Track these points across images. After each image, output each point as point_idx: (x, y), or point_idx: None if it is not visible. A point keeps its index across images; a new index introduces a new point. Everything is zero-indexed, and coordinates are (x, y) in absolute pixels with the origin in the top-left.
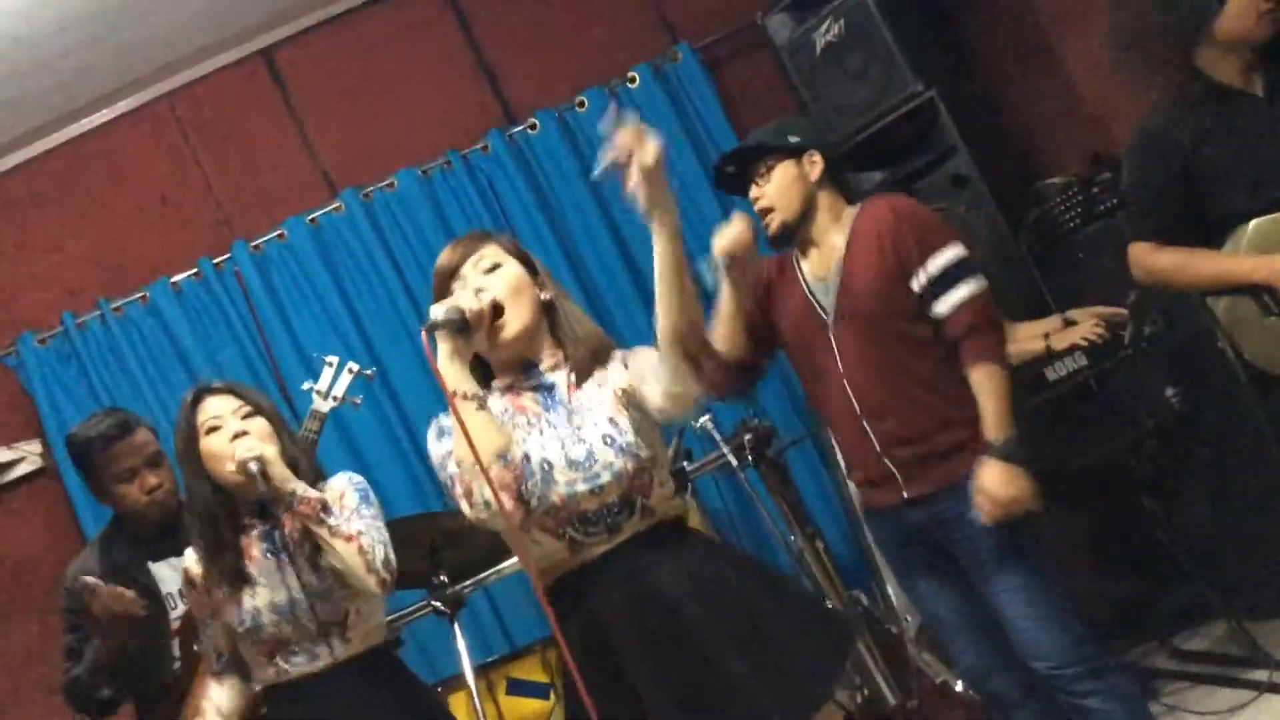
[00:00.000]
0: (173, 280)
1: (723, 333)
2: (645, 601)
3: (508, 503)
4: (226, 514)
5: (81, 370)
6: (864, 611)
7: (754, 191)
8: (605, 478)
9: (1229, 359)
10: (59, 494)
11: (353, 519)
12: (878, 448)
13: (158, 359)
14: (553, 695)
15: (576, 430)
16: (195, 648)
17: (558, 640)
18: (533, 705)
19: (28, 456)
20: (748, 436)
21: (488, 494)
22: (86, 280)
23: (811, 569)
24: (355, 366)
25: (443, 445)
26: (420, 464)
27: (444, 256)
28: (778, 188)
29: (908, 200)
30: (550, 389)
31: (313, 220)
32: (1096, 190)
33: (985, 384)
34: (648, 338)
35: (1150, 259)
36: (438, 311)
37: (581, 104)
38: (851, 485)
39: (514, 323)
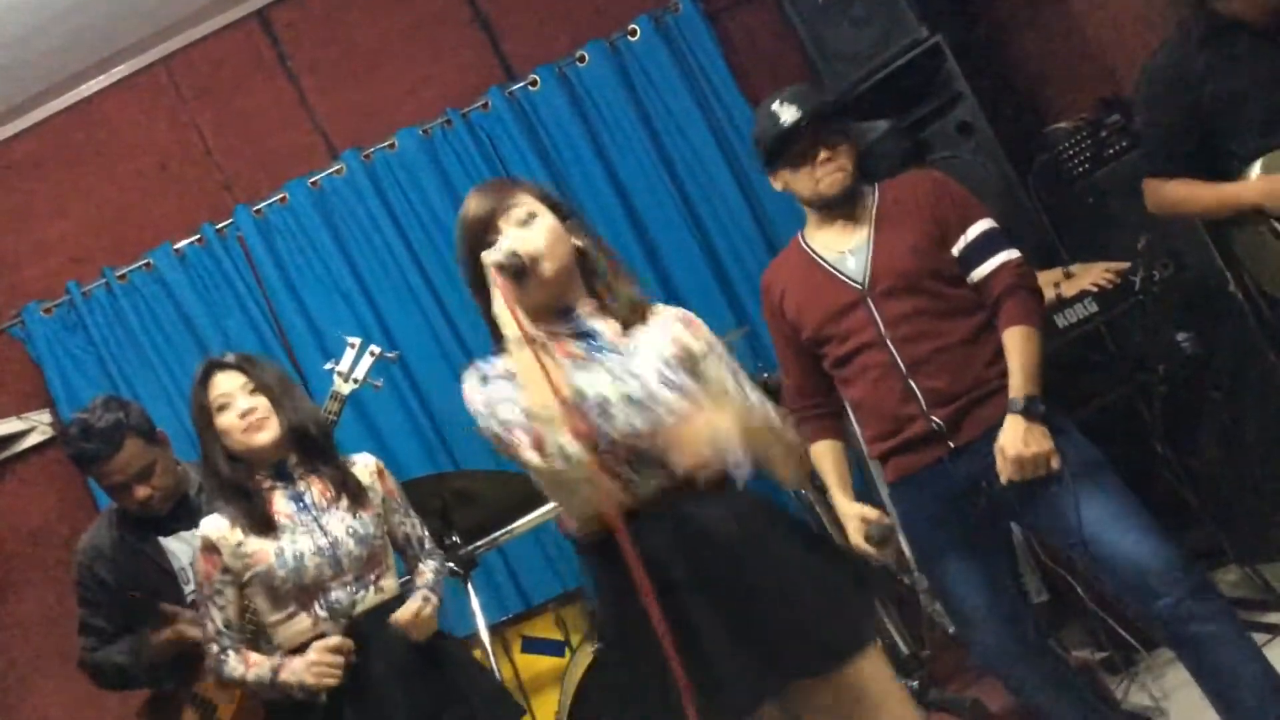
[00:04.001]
0: (176, 246)
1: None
2: (697, 542)
3: (586, 451)
4: (248, 476)
5: (88, 339)
6: (877, 564)
7: (825, 153)
8: (665, 416)
9: (1240, 302)
10: (69, 464)
11: (412, 516)
12: (924, 405)
13: (164, 326)
14: (567, 652)
15: (628, 369)
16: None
17: (633, 565)
18: (547, 662)
19: (38, 426)
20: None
21: (564, 441)
22: (90, 248)
23: (824, 522)
24: (377, 349)
25: (490, 392)
26: (429, 425)
27: (473, 204)
28: (844, 160)
29: (945, 176)
30: (593, 334)
31: (314, 183)
32: (1105, 134)
33: (1015, 343)
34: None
35: (1160, 191)
36: (495, 255)
37: (582, 58)
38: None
39: (549, 270)
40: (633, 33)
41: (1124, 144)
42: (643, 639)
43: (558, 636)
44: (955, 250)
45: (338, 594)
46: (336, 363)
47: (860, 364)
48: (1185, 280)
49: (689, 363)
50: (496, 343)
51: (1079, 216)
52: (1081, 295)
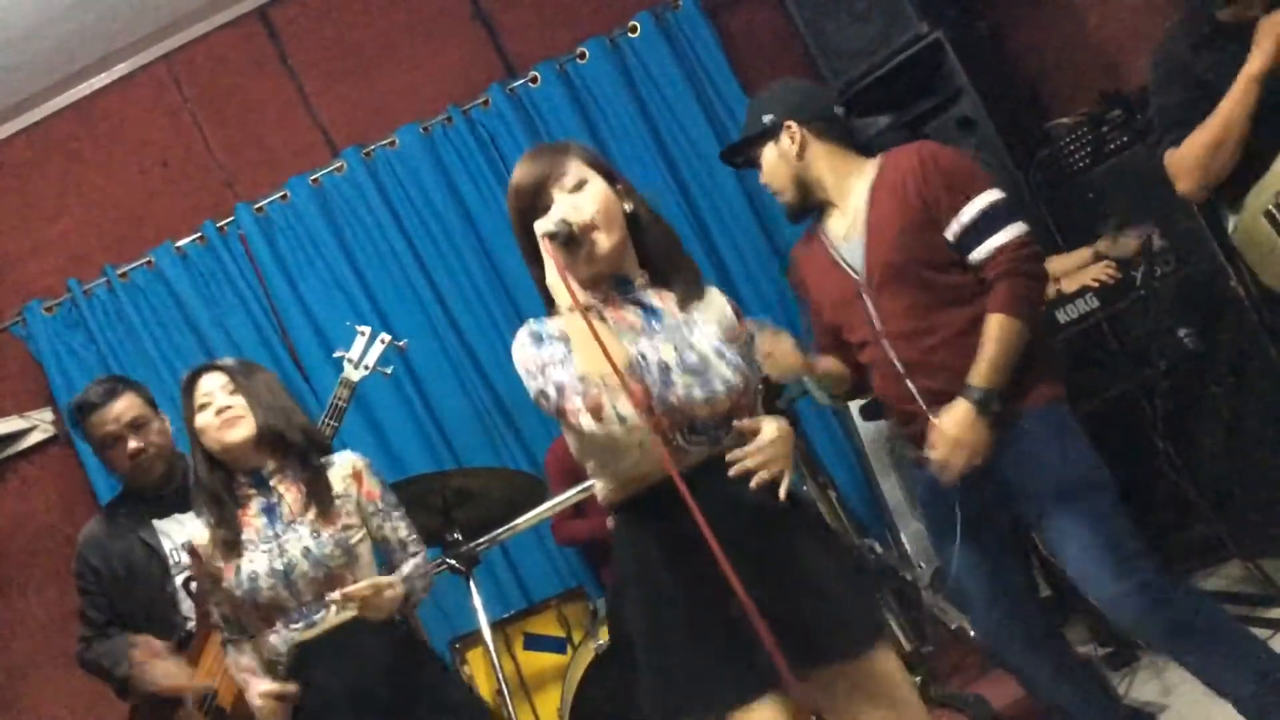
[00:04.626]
0: (177, 245)
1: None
2: (738, 514)
3: (642, 418)
4: (225, 485)
5: (90, 337)
6: (878, 559)
7: (762, 176)
8: (720, 387)
9: (1241, 298)
10: (72, 462)
11: (394, 519)
12: (922, 405)
13: (165, 324)
14: (569, 648)
15: (687, 340)
16: (208, 609)
17: (696, 515)
18: (550, 659)
19: (40, 425)
20: (758, 386)
21: (623, 407)
22: (91, 247)
23: (825, 519)
24: (387, 337)
25: (543, 353)
26: (431, 421)
27: (523, 172)
28: (768, 173)
29: (936, 147)
30: (650, 306)
31: (315, 181)
32: (1106, 129)
33: (992, 331)
34: None
35: (1178, 157)
36: (546, 224)
37: (582, 55)
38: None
39: (604, 240)
40: (633, 29)
41: (1125, 139)
42: (671, 611)
43: (560, 633)
44: (950, 234)
45: (296, 614)
46: (346, 351)
47: (867, 356)
48: (1187, 276)
49: (736, 343)
50: (551, 311)
51: (1080, 211)
52: (1083, 291)
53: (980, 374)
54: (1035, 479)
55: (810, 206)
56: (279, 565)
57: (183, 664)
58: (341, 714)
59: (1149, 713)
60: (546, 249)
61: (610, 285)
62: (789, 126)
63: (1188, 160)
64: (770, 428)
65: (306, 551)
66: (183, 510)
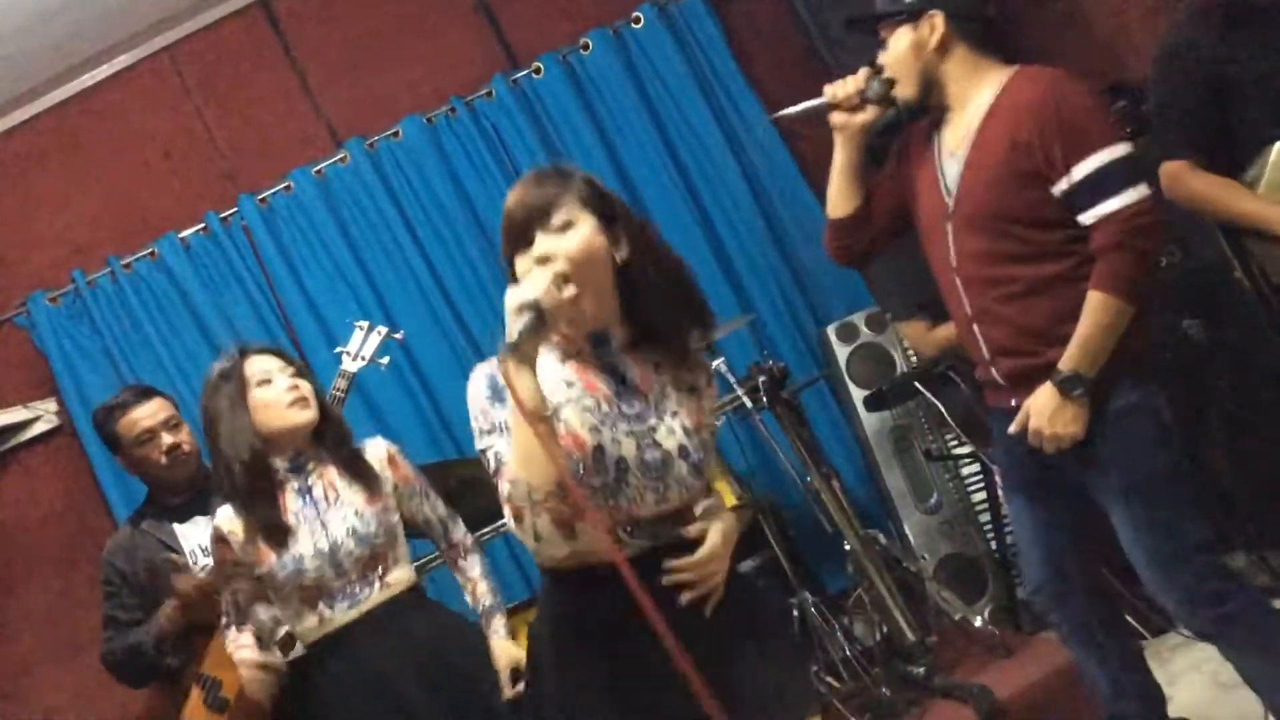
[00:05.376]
0: (181, 236)
1: (830, 192)
2: (672, 607)
3: (562, 539)
4: (263, 467)
5: (94, 328)
6: (882, 550)
7: (880, 57)
8: (674, 490)
9: (1246, 289)
10: (76, 452)
11: (432, 499)
12: (986, 354)
13: (169, 314)
14: None
15: (652, 431)
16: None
17: (644, 606)
18: None
19: (44, 415)
20: (761, 378)
21: (542, 527)
22: (95, 238)
23: (829, 509)
24: (384, 330)
25: (496, 413)
26: (434, 412)
27: (516, 198)
28: (894, 57)
29: (1067, 86)
30: (621, 374)
31: (318, 172)
32: (1111, 120)
33: (1089, 311)
34: None
35: (1185, 181)
36: (512, 311)
37: (585, 46)
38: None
39: (586, 302)
40: (636, 20)
41: (1130, 129)
42: (588, 697)
43: None
44: (1058, 190)
45: (340, 594)
46: (344, 346)
47: (943, 285)
48: (1192, 267)
49: (702, 431)
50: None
51: None
52: None
53: (1070, 356)
54: (1105, 463)
55: (927, 107)
56: (324, 546)
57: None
58: (388, 690)
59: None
60: (501, 371)
61: (585, 339)
62: (932, 16)
63: (1183, 196)
64: (715, 538)
65: (352, 530)
66: (203, 514)
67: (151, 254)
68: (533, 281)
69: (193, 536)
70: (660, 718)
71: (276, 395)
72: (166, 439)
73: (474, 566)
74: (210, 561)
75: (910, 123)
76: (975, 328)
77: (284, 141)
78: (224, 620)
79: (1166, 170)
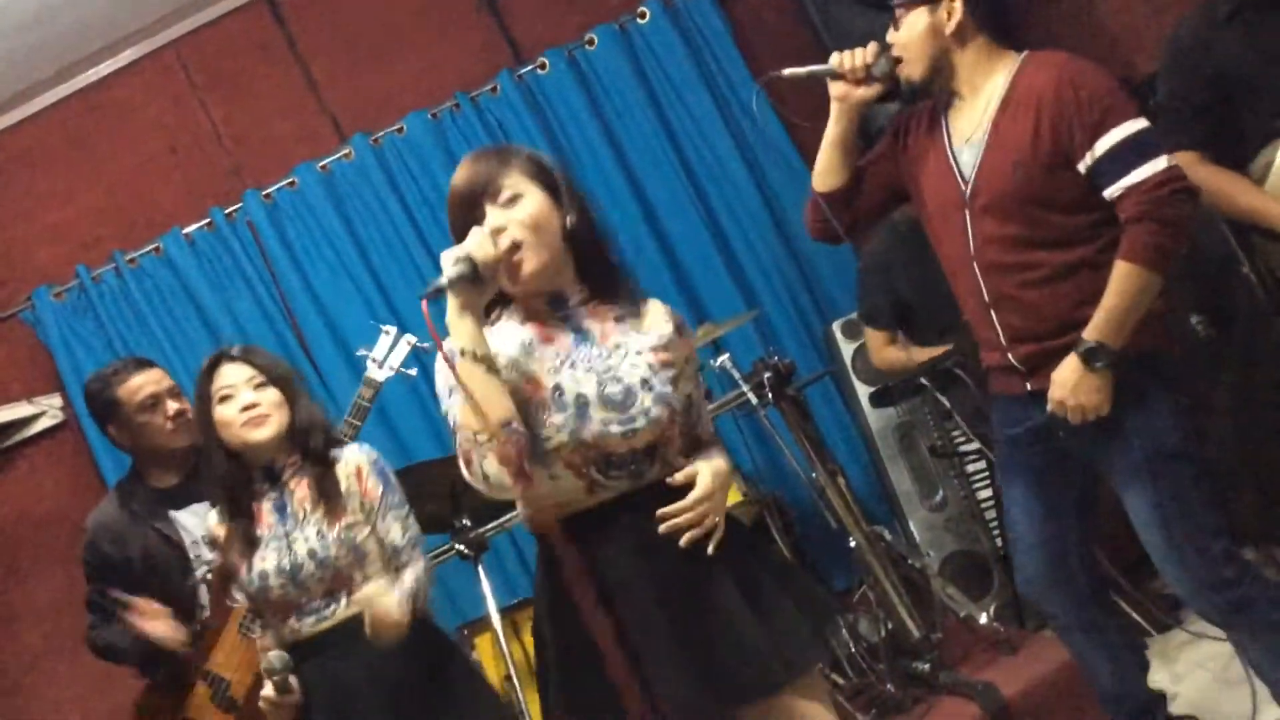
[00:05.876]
0: (185, 231)
1: (819, 164)
2: (654, 550)
3: (509, 478)
4: (241, 480)
5: (98, 323)
6: (887, 547)
7: (889, 36)
8: (640, 423)
9: (1254, 284)
10: (80, 447)
11: (388, 522)
12: (1002, 339)
13: (174, 311)
14: None
15: (612, 369)
16: (227, 601)
17: (577, 582)
18: None
19: (48, 411)
20: (767, 374)
21: (489, 467)
22: (99, 233)
23: (834, 506)
24: (413, 339)
25: (453, 400)
26: (439, 408)
27: (459, 179)
28: (907, 37)
29: (1079, 68)
30: (580, 327)
31: (323, 168)
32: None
33: (1115, 280)
34: (665, 283)
35: (1192, 175)
36: (447, 264)
37: (591, 41)
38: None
39: (531, 260)
40: (642, 15)
41: None
42: (580, 649)
43: None
44: (1082, 167)
45: (307, 611)
46: (369, 349)
47: (953, 270)
48: (1198, 262)
49: (670, 368)
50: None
51: None
52: None
53: (1095, 325)
54: (1120, 442)
55: (932, 91)
56: (286, 565)
57: (175, 625)
58: (357, 702)
59: (1162, 693)
60: (424, 309)
61: (544, 302)
62: (951, 1)
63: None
64: (705, 478)
65: (312, 553)
66: (198, 500)
67: (156, 249)
68: (470, 238)
69: (192, 527)
70: (648, 659)
71: (232, 414)
72: (172, 405)
73: (408, 575)
74: (213, 558)
75: (910, 103)
76: (993, 314)
77: (289, 137)
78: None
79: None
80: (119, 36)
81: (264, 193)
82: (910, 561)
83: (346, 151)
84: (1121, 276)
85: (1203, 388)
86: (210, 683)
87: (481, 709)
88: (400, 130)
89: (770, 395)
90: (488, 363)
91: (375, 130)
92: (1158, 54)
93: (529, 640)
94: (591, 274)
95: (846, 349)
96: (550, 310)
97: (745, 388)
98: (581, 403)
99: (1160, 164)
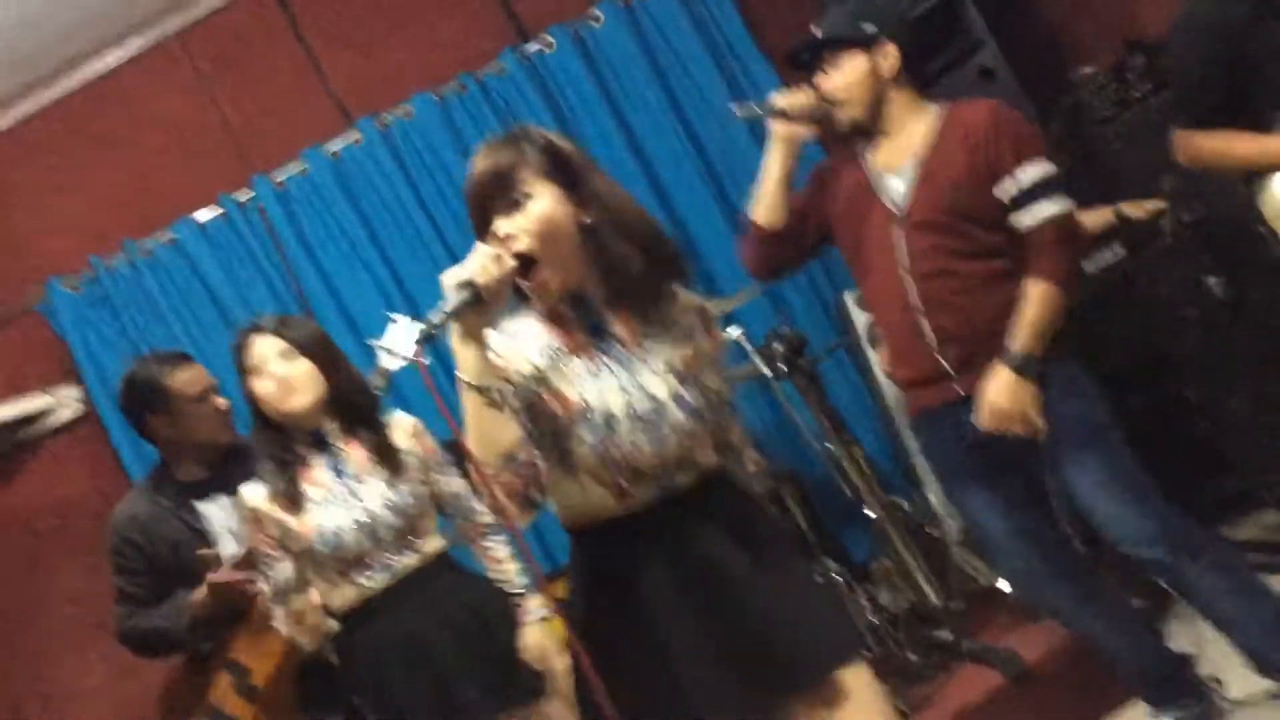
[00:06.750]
0: (197, 219)
1: (762, 201)
2: (687, 554)
3: (513, 508)
4: (283, 446)
5: (113, 313)
6: (905, 517)
7: (821, 81)
8: (670, 436)
9: (1270, 244)
10: (101, 438)
11: (448, 474)
12: (932, 344)
13: (188, 298)
14: None
15: (640, 382)
16: (249, 587)
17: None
18: None
19: (67, 403)
20: (779, 346)
21: (499, 498)
22: (111, 223)
23: (851, 478)
24: (423, 327)
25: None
26: (451, 389)
27: (472, 175)
28: (847, 81)
29: (1009, 108)
30: (606, 332)
31: (333, 153)
32: (1130, 78)
33: (1034, 297)
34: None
35: (1193, 144)
36: (449, 289)
37: (596, 18)
38: (891, 389)
39: (553, 275)
40: None
41: (1149, 88)
42: (615, 655)
43: None
44: (1002, 192)
45: (378, 564)
46: (378, 339)
47: (876, 285)
48: (1215, 222)
49: (697, 368)
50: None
51: (1104, 161)
52: (1110, 236)
53: (1020, 339)
54: (1058, 426)
55: (861, 132)
56: (362, 518)
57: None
58: (432, 651)
59: (1187, 656)
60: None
61: (566, 303)
62: (887, 45)
63: (1197, 158)
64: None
65: (389, 503)
66: (224, 491)
67: (169, 238)
68: (471, 258)
69: (219, 518)
70: (685, 663)
71: (265, 389)
72: (219, 401)
73: (499, 547)
74: (238, 547)
75: (836, 145)
76: (922, 320)
77: (297, 122)
78: (268, 604)
79: (1178, 138)
80: (124, 27)
81: (274, 178)
82: (929, 531)
83: (355, 136)
84: (1044, 297)
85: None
86: (233, 671)
87: (516, 670)
88: (407, 113)
89: (784, 368)
90: (488, 396)
91: (381, 112)
92: (1166, 16)
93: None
94: (611, 275)
95: (860, 319)
96: (572, 312)
97: (759, 361)
98: (610, 421)
99: (1071, 204)
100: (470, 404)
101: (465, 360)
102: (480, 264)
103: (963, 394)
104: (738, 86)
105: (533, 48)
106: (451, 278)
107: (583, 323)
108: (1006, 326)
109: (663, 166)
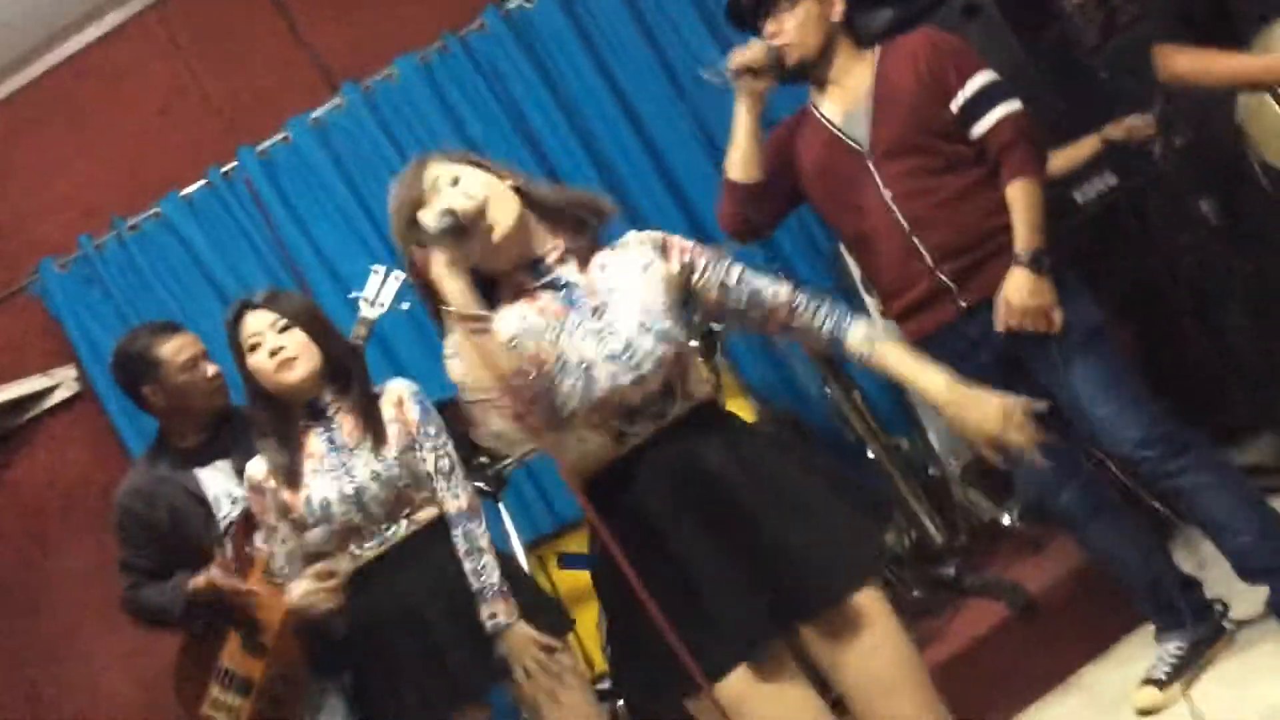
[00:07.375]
0: (184, 193)
1: (736, 157)
2: (694, 479)
3: (521, 431)
4: (284, 419)
5: (105, 291)
6: (906, 457)
7: (770, 26)
8: (647, 366)
9: (1252, 161)
10: (99, 415)
11: (424, 451)
12: (930, 261)
13: (178, 273)
14: None
15: (608, 323)
16: (247, 549)
17: (599, 532)
18: (586, 577)
19: (64, 382)
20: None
21: (497, 423)
22: (99, 201)
23: (851, 421)
24: (401, 275)
25: (452, 363)
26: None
27: (395, 193)
28: (798, 24)
29: (939, 32)
30: (566, 286)
31: (315, 120)
32: (1116, 3)
33: (1018, 198)
34: (669, 216)
35: (1172, 60)
36: (428, 219)
37: None
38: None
39: (502, 220)
40: None
41: (1136, 12)
42: (633, 592)
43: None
44: (954, 105)
45: (370, 535)
46: (360, 291)
47: (864, 223)
48: (1204, 145)
49: (672, 292)
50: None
51: (1092, 91)
52: (1099, 162)
53: (1023, 238)
54: (1072, 315)
55: (810, 75)
56: (349, 490)
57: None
58: (427, 613)
59: (1194, 579)
60: (433, 250)
61: (525, 272)
62: None
63: (1176, 75)
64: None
65: (375, 474)
66: (221, 458)
67: (156, 214)
68: (439, 198)
69: (215, 483)
70: (708, 592)
71: (262, 362)
72: (209, 367)
73: (462, 540)
74: (236, 510)
75: (790, 84)
76: (915, 239)
77: (279, 90)
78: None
79: (1157, 53)
80: (99, 1)
81: (259, 149)
82: (930, 470)
83: (338, 101)
84: (1025, 191)
85: (1209, 276)
86: (240, 629)
87: (540, 610)
88: (390, 76)
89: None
90: (478, 324)
91: (364, 77)
92: None
93: (555, 573)
94: (557, 225)
95: (855, 266)
96: (533, 278)
97: None
98: (585, 365)
99: (1018, 103)
100: (460, 334)
101: (451, 291)
102: (451, 194)
103: (966, 306)
104: (723, 34)
105: (514, 3)
106: (429, 211)
107: (545, 284)
108: (996, 233)
109: (650, 118)
